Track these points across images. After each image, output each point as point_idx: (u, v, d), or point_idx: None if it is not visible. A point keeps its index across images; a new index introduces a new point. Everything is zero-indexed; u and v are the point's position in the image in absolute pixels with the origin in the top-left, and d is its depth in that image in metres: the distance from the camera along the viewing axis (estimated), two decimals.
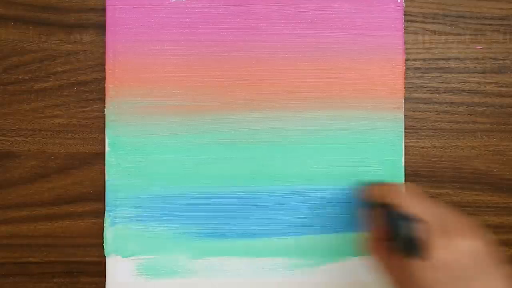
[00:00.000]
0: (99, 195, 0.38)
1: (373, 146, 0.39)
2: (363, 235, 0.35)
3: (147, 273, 0.38)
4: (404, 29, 0.39)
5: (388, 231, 0.31)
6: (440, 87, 0.39)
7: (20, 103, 0.38)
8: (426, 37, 0.39)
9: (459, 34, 0.40)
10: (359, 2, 0.39)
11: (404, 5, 0.39)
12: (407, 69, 0.39)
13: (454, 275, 0.27)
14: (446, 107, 0.39)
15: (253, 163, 0.38)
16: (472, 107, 0.40)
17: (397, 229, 0.29)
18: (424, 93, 0.39)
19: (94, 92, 0.38)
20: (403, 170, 0.39)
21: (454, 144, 0.40)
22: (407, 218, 0.29)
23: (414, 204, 0.30)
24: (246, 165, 0.38)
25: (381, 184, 0.35)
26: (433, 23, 0.39)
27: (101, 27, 0.38)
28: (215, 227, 0.38)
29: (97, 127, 0.38)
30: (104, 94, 0.38)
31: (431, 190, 0.39)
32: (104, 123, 0.38)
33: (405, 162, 0.39)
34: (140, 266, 0.38)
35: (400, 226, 0.29)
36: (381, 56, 0.39)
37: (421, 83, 0.39)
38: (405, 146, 0.39)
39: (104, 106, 0.38)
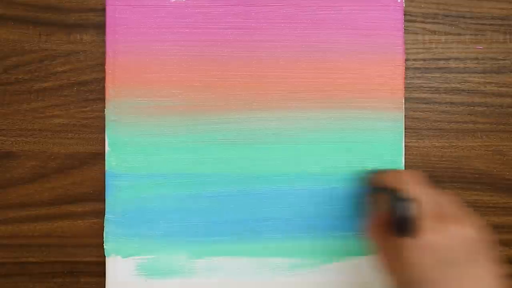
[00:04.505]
0: (99, 195, 0.38)
1: (373, 146, 0.39)
2: (365, 220, 0.36)
3: (147, 273, 0.38)
4: (404, 29, 0.39)
5: (387, 214, 0.32)
6: (440, 87, 0.39)
7: (20, 103, 0.38)
8: (426, 37, 0.39)
9: (459, 34, 0.39)
10: (359, 2, 0.39)
11: (404, 5, 0.39)
12: (407, 69, 0.39)
13: (442, 259, 0.28)
14: (446, 107, 0.39)
15: (253, 163, 0.38)
16: (472, 107, 0.40)
17: (393, 210, 0.30)
18: (424, 93, 0.39)
19: (94, 92, 0.38)
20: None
21: (454, 144, 0.40)
22: (404, 200, 0.29)
23: (415, 188, 0.31)
24: (246, 165, 0.38)
25: (384, 171, 0.36)
26: (433, 23, 0.39)
27: (101, 27, 0.38)
28: (215, 227, 0.38)
29: (97, 127, 0.38)
30: (104, 94, 0.38)
31: None
32: (104, 123, 0.38)
33: (405, 162, 0.39)
34: (140, 266, 0.38)
35: (396, 206, 0.29)
36: (381, 56, 0.39)
37: (421, 83, 0.39)
38: (405, 146, 0.39)
39: (104, 106, 0.38)
